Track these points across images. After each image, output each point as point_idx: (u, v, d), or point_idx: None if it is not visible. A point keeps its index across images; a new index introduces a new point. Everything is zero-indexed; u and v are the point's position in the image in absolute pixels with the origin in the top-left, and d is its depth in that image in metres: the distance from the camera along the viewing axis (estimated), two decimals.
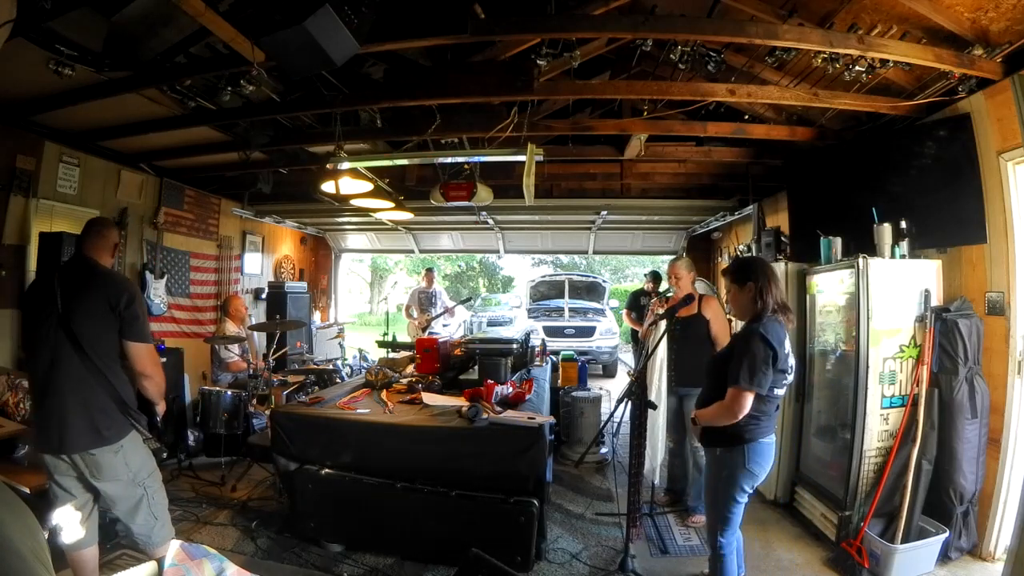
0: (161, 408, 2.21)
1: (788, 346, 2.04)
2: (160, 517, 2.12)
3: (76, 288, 2.00)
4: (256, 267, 6.91)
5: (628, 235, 8.08)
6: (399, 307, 9.96)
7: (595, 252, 8.62)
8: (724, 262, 6.71)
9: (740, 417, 1.96)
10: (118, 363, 2.04)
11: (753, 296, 2.07)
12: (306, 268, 8.28)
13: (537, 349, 4.77)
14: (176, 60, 2.84)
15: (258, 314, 6.70)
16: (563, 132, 4.08)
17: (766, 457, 2.07)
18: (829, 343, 3.25)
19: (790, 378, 2.07)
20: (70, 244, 3.58)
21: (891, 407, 2.84)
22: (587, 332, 8.76)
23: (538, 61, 2.90)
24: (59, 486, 2.04)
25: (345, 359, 6.81)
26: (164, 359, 4.04)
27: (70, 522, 2.03)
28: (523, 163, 3.45)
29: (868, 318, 2.80)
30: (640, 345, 5.38)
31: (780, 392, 2.05)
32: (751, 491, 2.10)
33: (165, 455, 2.22)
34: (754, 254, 5.26)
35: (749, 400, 1.94)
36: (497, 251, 8.74)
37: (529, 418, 2.71)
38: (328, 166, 3.57)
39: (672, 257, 4.31)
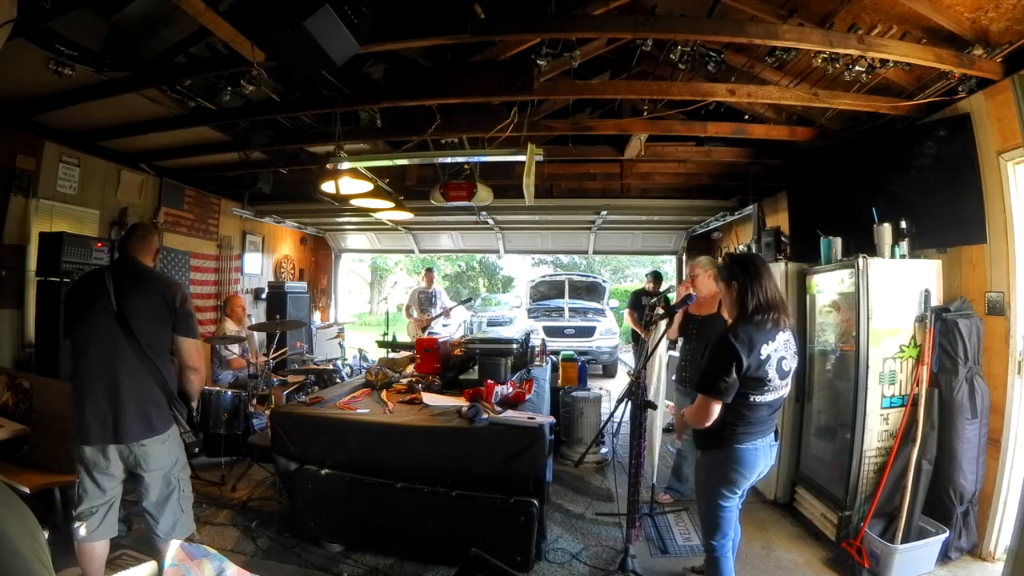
0: (194, 403, 2.36)
1: (771, 350, 1.92)
2: (186, 510, 2.21)
3: (131, 286, 2.14)
4: (256, 267, 6.91)
5: (628, 235, 8.08)
6: (399, 307, 9.97)
7: (595, 252, 8.62)
8: (720, 262, 6.70)
9: (706, 423, 1.93)
10: (169, 357, 2.18)
11: (737, 295, 2.00)
12: (306, 268, 8.29)
13: (537, 349, 4.77)
14: (176, 60, 2.84)
15: (258, 314, 6.70)
16: (563, 132, 4.08)
17: (746, 464, 1.99)
18: (829, 343, 3.25)
19: (778, 382, 1.96)
20: (70, 244, 3.59)
21: (891, 407, 2.84)
22: (587, 332, 8.76)
23: (538, 61, 2.90)
24: (92, 480, 2.09)
25: (345, 359, 6.81)
26: None
27: (91, 515, 2.08)
28: (523, 163, 3.45)
29: (868, 318, 2.80)
30: (640, 345, 5.39)
31: (763, 399, 1.95)
32: (735, 495, 2.05)
33: (197, 450, 2.28)
34: (753, 251, 5.25)
35: (714, 407, 1.90)
36: (497, 251, 8.75)
37: (529, 418, 2.71)
38: (328, 166, 3.57)
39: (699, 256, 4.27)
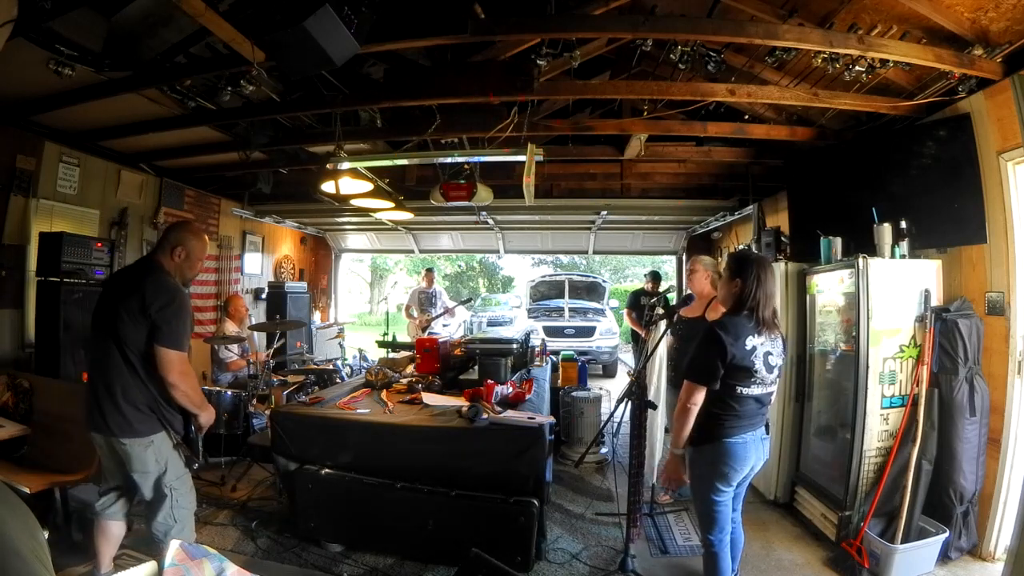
0: (203, 419, 2.21)
1: (757, 342, 1.97)
2: (180, 521, 2.15)
3: (126, 287, 2.10)
4: (256, 267, 6.91)
5: (628, 235, 8.08)
6: (399, 307, 9.97)
7: (595, 252, 8.63)
8: (724, 262, 6.71)
9: (690, 408, 1.97)
10: (150, 363, 2.07)
11: (736, 293, 2.05)
12: (306, 268, 8.29)
13: (537, 349, 4.77)
14: (176, 60, 2.84)
15: (258, 314, 6.70)
16: (563, 132, 4.08)
17: (737, 458, 2.01)
18: (829, 343, 3.25)
19: (765, 375, 2.00)
20: (70, 244, 3.59)
21: (891, 407, 2.84)
22: (587, 332, 8.76)
23: (538, 61, 2.90)
24: (103, 463, 2.20)
25: (345, 359, 6.81)
26: None
27: (106, 495, 2.22)
28: (523, 163, 3.45)
29: (868, 318, 2.80)
30: (640, 345, 5.38)
31: (750, 391, 1.99)
32: (728, 489, 2.07)
33: (196, 466, 2.21)
34: (762, 256, 5.25)
35: (697, 394, 1.95)
36: (497, 251, 8.75)
37: (529, 418, 2.71)
38: (328, 166, 3.57)
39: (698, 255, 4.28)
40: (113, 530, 2.22)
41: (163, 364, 2.03)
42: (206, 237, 2.37)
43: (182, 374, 2.07)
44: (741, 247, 6.15)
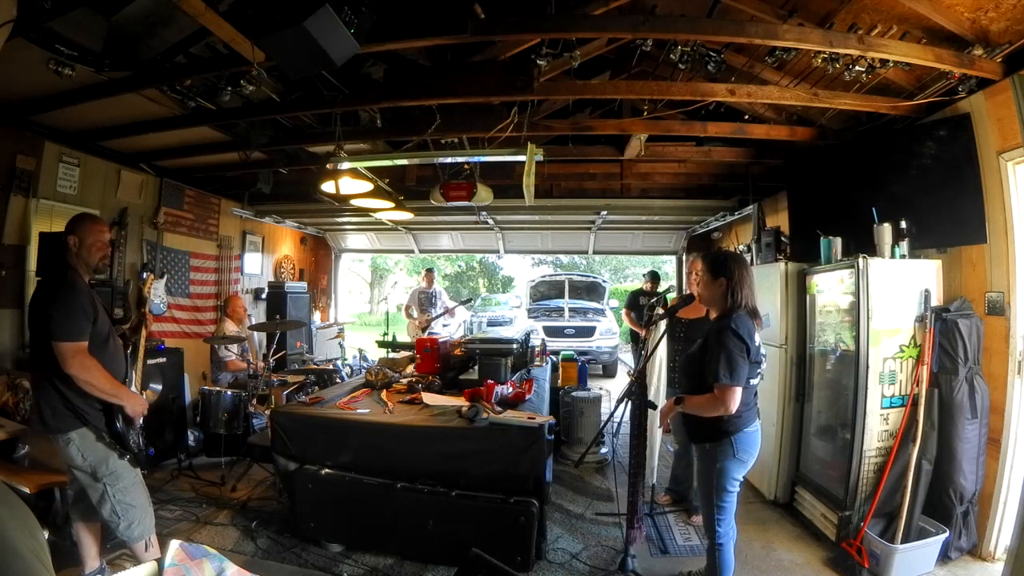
0: (129, 410, 2.17)
1: (758, 339, 2.11)
2: (125, 517, 2.14)
3: (35, 290, 2.18)
4: (256, 267, 6.90)
5: (628, 235, 8.08)
6: (399, 307, 9.96)
7: (595, 252, 8.62)
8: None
9: (733, 411, 2.00)
10: (52, 360, 2.02)
11: (724, 291, 2.13)
12: (306, 268, 8.28)
13: (537, 349, 4.77)
14: (176, 60, 2.84)
15: (258, 314, 6.70)
16: (563, 132, 4.07)
17: (753, 444, 2.15)
18: (829, 343, 3.25)
19: (763, 368, 2.16)
20: None
21: (891, 407, 2.84)
22: (587, 332, 8.76)
23: (538, 61, 2.90)
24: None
25: (345, 359, 6.81)
26: (164, 359, 4.07)
27: (70, 494, 2.28)
28: (523, 163, 3.45)
29: (868, 318, 2.80)
30: (640, 345, 5.38)
31: (755, 382, 2.13)
32: (741, 479, 2.19)
33: (128, 458, 2.18)
34: (753, 252, 5.26)
35: (738, 394, 1.99)
36: (497, 251, 8.74)
37: (529, 418, 2.71)
38: (328, 166, 3.57)
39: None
40: (81, 531, 2.25)
41: (59, 358, 1.98)
42: (98, 219, 2.37)
43: (81, 366, 2.01)
44: (739, 248, 6.15)
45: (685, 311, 3.25)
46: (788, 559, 2.81)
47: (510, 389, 3.15)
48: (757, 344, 2.08)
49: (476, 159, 3.99)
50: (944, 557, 2.66)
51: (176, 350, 4.44)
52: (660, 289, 6.34)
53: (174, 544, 1.21)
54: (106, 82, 3.01)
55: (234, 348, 4.73)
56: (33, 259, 3.71)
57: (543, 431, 2.59)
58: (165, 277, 5.04)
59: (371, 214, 5.74)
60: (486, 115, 3.49)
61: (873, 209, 3.06)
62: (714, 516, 2.19)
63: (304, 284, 7.29)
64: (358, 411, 2.94)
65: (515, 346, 3.62)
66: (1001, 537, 2.65)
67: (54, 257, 2.23)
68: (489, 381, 3.13)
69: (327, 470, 2.77)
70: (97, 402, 2.11)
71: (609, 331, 8.91)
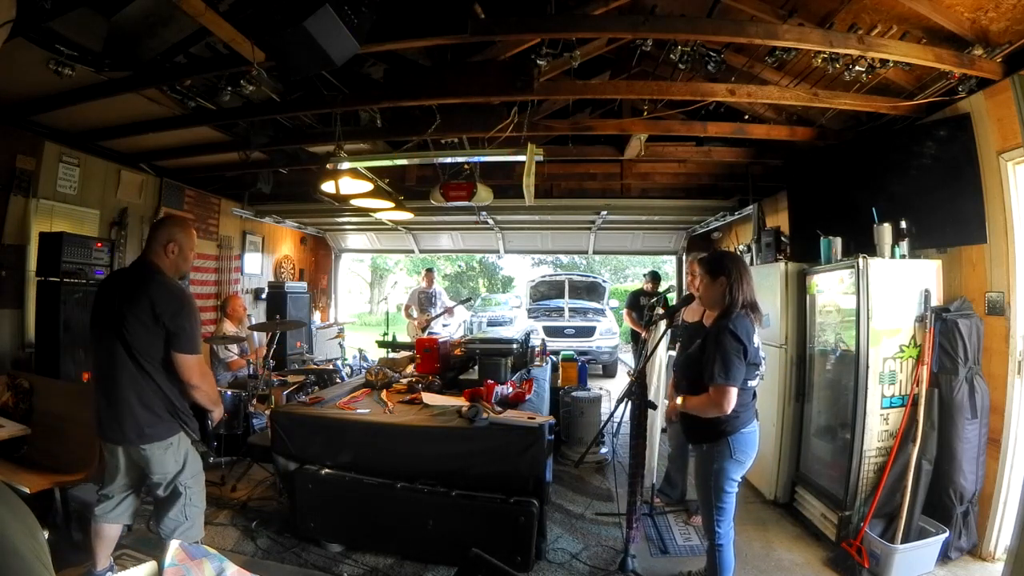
0: (216, 415, 2.29)
1: (757, 341, 2.10)
2: (191, 519, 2.16)
3: (130, 290, 2.08)
4: (256, 267, 6.91)
5: (628, 235, 8.08)
6: (399, 307, 9.96)
7: (595, 252, 8.62)
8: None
9: (728, 411, 2.01)
10: (167, 368, 2.08)
11: (723, 291, 2.12)
12: (306, 268, 8.29)
13: (537, 349, 4.77)
14: (176, 60, 2.84)
15: (258, 314, 6.70)
16: (563, 132, 4.08)
17: (750, 445, 2.15)
18: (829, 343, 3.25)
19: (762, 370, 2.15)
20: (70, 244, 3.59)
21: (891, 407, 2.84)
22: (587, 332, 8.76)
23: (538, 61, 2.90)
24: (108, 467, 2.20)
25: (345, 359, 6.81)
26: None
27: (107, 500, 2.20)
28: (523, 163, 3.45)
29: (868, 318, 2.80)
30: (640, 345, 5.38)
31: (753, 384, 2.12)
32: (739, 479, 2.19)
33: (212, 459, 2.26)
34: (753, 252, 5.26)
35: (733, 394, 2.00)
36: (497, 251, 8.75)
37: (529, 418, 2.71)
38: (328, 166, 3.57)
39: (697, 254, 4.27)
40: (111, 532, 2.24)
41: (184, 369, 2.06)
42: (193, 228, 2.36)
43: (203, 376, 2.12)
44: (739, 248, 6.15)
45: (685, 313, 3.25)
46: (788, 559, 2.81)
47: (510, 389, 3.15)
48: (756, 346, 2.07)
49: (476, 159, 3.99)
50: (944, 557, 2.66)
51: None
52: (660, 289, 6.34)
53: (174, 544, 1.21)
54: (106, 82, 3.02)
55: (234, 348, 4.73)
56: (33, 259, 3.71)
57: (543, 431, 2.59)
58: None
59: (371, 214, 5.74)
60: (486, 115, 3.49)
61: (873, 209, 3.06)
62: (713, 517, 2.19)
63: (304, 284, 7.29)
64: (358, 411, 2.94)
65: (515, 346, 3.62)
66: (1001, 537, 2.65)
67: (144, 260, 2.17)
68: (489, 381, 3.13)
69: (327, 470, 2.77)
70: (192, 407, 2.16)
71: (609, 331, 8.91)
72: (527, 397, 3.10)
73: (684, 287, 5.42)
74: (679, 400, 2.23)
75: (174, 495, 2.13)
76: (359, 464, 2.76)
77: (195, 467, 2.18)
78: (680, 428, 3.22)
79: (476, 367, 3.55)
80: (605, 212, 6.16)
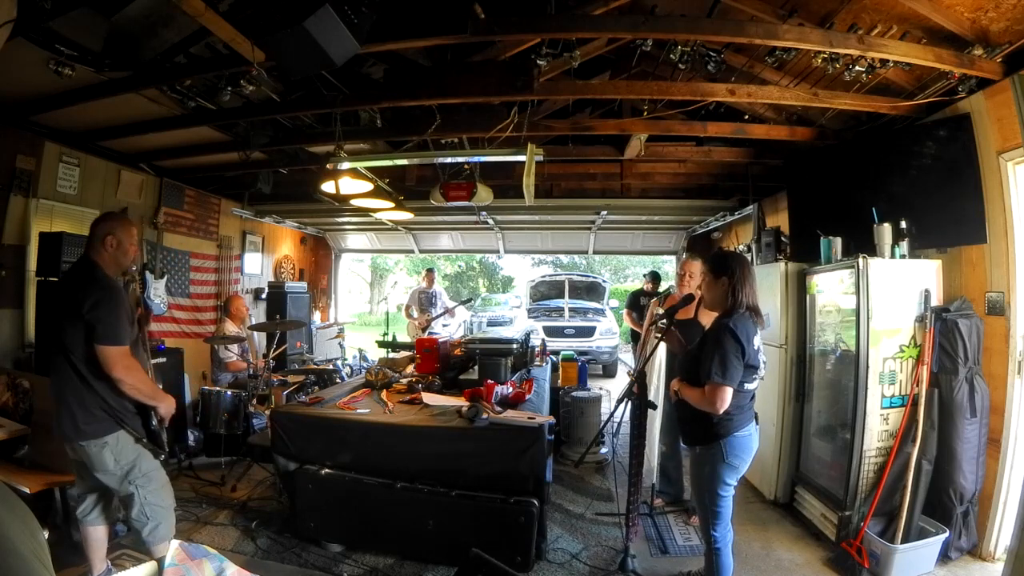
0: (162, 410, 2.17)
1: (758, 343, 2.08)
2: (153, 518, 2.14)
3: (63, 290, 2.10)
4: (256, 267, 6.90)
5: (628, 235, 8.08)
6: (399, 307, 9.96)
7: (595, 252, 8.62)
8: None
9: (721, 410, 2.00)
10: (94, 363, 2.02)
11: (726, 291, 2.11)
12: (306, 268, 8.28)
13: (537, 349, 4.77)
14: (176, 60, 2.84)
15: (258, 314, 6.70)
16: (563, 132, 4.08)
17: (744, 450, 2.12)
18: (829, 343, 3.25)
19: (761, 373, 2.13)
20: (70, 244, 3.58)
21: (891, 407, 2.84)
22: (587, 332, 8.76)
23: (538, 61, 2.90)
24: (76, 467, 2.20)
25: (345, 359, 6.81)
26: (164, 359, 4.07)
27: (82, 501, 2.23)
28: (523, 163, 3.45)
29: (868, 318, 2.80)
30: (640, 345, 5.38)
31: (751, 387, 2.10)
32: (734, 483, 2.16)
33: (162, 458, 2.21)
34: (753, 252, 5.26)
35: (727, 393, 1.98)
36: (497, 251, 8.75)
37: (529, 418, 2.71)
38: (328, 166, 3.57)
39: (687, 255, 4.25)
40: (96, 535, 2.23)
41: (105, 362, 1.99)
42: (132, 221, 2.33)
43: (126, 368, 2.03)
44: (739, 248, 6.15)
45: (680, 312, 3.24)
46: (788, 559, 2.81)
47: (510, 389, 3.15)
48: (756, 347, 2.05)
49: (476, 159, 3.99)
50: (944, 557, 2.66)
51: (176, 350, 4.45)
52: (660, 289, 6.34)
53: (174, 544, 1.22)
54: (106, 82, 3.01)
55: (234, 348, 4.73)
56: (33, 259, 3.71)
57: (543, 431, 2.59)
58: (165, 277, 5.04)
59: (371, 214, 5.74)
60: (486, 115, 3.49)
61: (873, 209, 3.06)
62: (708, 520, 2.18)
63: (304, 284, 7.29)
64: (358, 411, 2.94)
65: (515, 346, 3.62)
66: (1001, 537, 2.65)
67: (83, 257, 2.15)
68: (489, 381, 3.12)
69: (327, 470, 2.77)
70: (132, 404, 2.11)
71: (609, 331, 8.91)
72: (527, 397, 3.10)
73: (676, 288, 5.41)
74: (675, 385, 2.23)
75: (127, 495, 2.11)
76: (359, 464, 2.76)
77: (146, 466, 2.13)
78: (673, 423, 3.23)
79: (476, 367, 3.55)
80: (605, 212, 6.16)
